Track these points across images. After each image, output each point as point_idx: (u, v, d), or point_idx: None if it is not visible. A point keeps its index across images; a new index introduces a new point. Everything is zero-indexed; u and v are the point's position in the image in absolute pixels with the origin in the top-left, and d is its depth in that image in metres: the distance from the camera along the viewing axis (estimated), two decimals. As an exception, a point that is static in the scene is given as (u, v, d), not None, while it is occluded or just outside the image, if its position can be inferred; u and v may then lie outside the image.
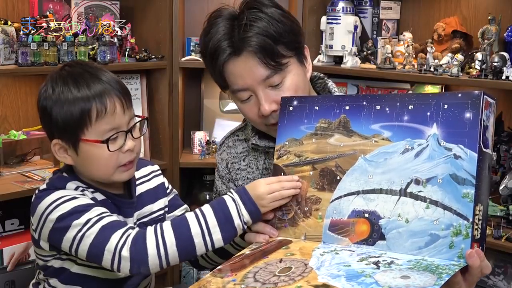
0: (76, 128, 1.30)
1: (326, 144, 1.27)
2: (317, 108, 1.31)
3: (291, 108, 1.33)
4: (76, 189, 1.34)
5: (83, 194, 1.33)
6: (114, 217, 1.30)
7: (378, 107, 1.22)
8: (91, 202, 1.32)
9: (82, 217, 1.26)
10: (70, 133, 1.31)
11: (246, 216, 1.24)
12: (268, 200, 1.25)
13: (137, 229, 1.27)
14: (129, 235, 1.23)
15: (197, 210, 1.25)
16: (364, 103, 1.24)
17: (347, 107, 1.26)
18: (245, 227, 1.25)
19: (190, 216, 1.24)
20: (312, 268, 1.10)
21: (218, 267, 1.18)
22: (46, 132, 1.38)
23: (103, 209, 1.30)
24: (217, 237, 1.23)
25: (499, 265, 2.34)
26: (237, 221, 1.23)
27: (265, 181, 1.27)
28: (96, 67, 1.37)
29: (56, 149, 1.35)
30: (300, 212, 1.26)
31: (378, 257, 1.11)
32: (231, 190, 1.27)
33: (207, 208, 1.25)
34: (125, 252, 1.21)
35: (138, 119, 1.39)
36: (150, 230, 1.23)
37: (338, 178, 1.23)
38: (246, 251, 1.24)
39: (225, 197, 1.26)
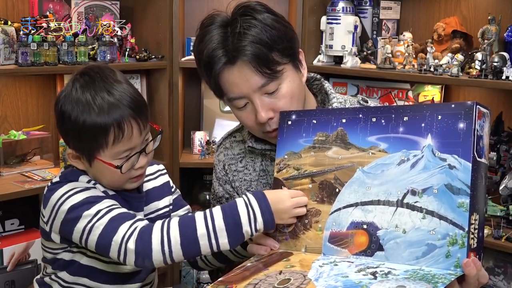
0: (92, 147, 1.31)
1: (324, 157, 1.28)
2: (315, 121, 1.31)
3: (289, 122, 1.34)
4: (88, 182, 1.36)
5: (94, 188, 1.35)
6: (124, 210, 1.31)
7: (374, 119, 1.23)
8: (102, 194, 1.34)
9: (92, 208, 1.28)
10: (86, 149, 1.32)
11: (260, 224, 1.22)
12: (291, 215, 1.24)
13: (145, 221, 1.27)
14: (136, 227, 1.23)
15: (207, 211, 1.24)
16: (360, 115, 1.25)
17: (343, 120, 1.27)
18: (255, 234, 1.23)
19: (199, 216, 1.23)
20: (311, 279, 1.10)
21: (220, 279, 1.18)
22: (61, 136, 1.41)
23: (114, 201, 1.32)
24: (223, 241, 1.21)
25: (499, 265, 2.34)
26: (246, 228, 1.21)
27: (291, 194, 1.26)
28: (116, 81, 1.33)
29: (70, 157, 1.37)
30: (300, 224, 1.27)
31: (376, 267, 1.11)
32: (247, 194, 1.25)
33: (217, 211, 1.23)
34: (131, 245, 1.21)
35: (151, 135, 1.39)
36: (157, 225, 1.24)
37: (337, 190, 1.24)
38: (247, 263, 1.25)
39: (238, 200, 1.24)
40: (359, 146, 1.24)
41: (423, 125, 1.16)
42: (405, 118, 1.19)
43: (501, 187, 2.25)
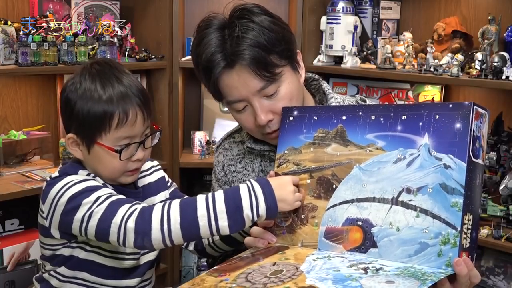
0: (94, 131, 1.33)
1: (323, 153, 1.29)
2: (316, 118, 1.32)
3: (291, 118, 1.35)
4: (88, 175, 1.37)
5: (94, 179, 1.36)
6: (123, 196, 1.31)
7: (373, 117, 1.24)
8: (101, 185, 1.34)
9: (92, 195, 1.28)
10: (88, 133, 1.34)
11: (262, 210, 1.21)
12: (294, 199, 1.24)
13: (144, 204, 1.28)
14: (136, 208, 1.24)
15: (209, 193, 1.24)
16: (360, 113, 1.26)
17: (344, 117, 1.28)
18: (256, 219, 1.22)
19: (200, 198, 1.23)
20: (303, 271, 1.11)
21: (214, 267, 1.20)
22: (64, 123, 1.42)
23: (112, 190, 1.33)
24: (223, 224, 1.20)
25: (499, 265, 2.34)
26: (246, 211, 1.20)
27: (292, 179, 1.26)
28: (124, 72, 1.39)
29: (69, 142, 1.38)
30: (297, 219, 1.28)
31: (368, 263, 1.12)
32: (251, 180, 1.24)
33: (219, 193, 1.23)
34: (131, 223, 1.21)
35: (151, 128, 1.41)
36: (158, 205, 1.24)
37: (334, 186, 1.25)
38: (243, 254, 1.26)
39: (241, 185, 1.23)
40: (357, 144, 1.24)
41: (420, 124, 1.17)
42: (404, 117, 1.20)
43: (501, 187, 2.25)
